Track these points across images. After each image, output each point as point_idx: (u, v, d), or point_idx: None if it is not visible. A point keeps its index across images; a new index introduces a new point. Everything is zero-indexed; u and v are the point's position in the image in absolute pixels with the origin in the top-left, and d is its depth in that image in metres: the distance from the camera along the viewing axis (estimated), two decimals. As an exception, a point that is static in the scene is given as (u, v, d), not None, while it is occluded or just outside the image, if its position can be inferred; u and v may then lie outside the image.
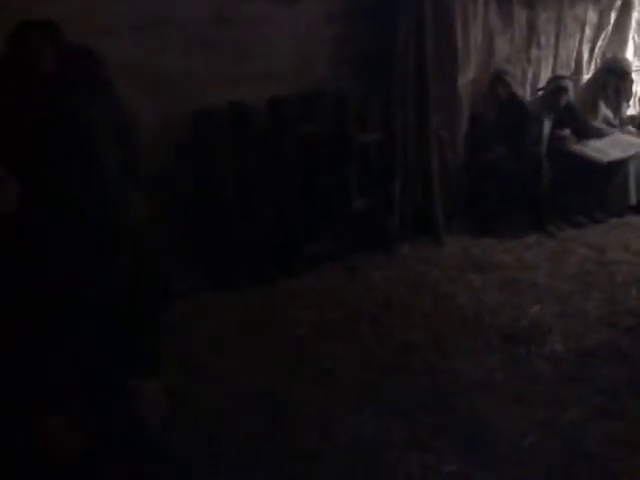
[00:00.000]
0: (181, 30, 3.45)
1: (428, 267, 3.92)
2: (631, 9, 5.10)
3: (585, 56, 5.05)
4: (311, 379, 2.81)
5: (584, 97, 4.91)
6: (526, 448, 2.35)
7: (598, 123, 4.81)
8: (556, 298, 3.48)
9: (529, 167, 4.37)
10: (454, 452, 2.34)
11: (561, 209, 4.52)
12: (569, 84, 4.63)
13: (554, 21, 4.81)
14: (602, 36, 5.06)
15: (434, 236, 4.25)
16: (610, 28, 5.07)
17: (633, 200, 4.61)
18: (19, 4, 2.85)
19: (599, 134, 4.71)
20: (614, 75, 4.80)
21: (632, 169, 4.58)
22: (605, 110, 4.86)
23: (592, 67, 5.07)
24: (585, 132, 4.69)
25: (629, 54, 5.18)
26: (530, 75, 4.84)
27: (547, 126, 4.56)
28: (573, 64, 5.03)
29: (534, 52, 4.80)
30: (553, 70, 4.89)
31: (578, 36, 4.97)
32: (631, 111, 5.16)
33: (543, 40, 4.81)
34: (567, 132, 4.63)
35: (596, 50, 5.08)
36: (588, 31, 5.00)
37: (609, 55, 5.09)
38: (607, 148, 4.59)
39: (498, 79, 4.45)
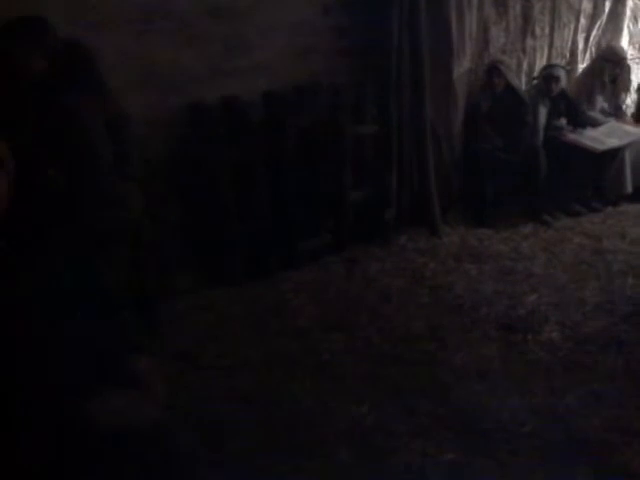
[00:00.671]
0: (174, 22, 3.43)
1: (425, 258, 3.94)
2: (626, -2, 5.11)
3: (580, 45, 5.06)
4: (311, 371, 2.82)
5: (581, 86, 4.92)
6: (524, 436, 2.37)
7: (594, 112, 4.83)
8: (553, 287, 3.49)
9: (525, 157, 4.38)
10: (453, 441, 2.36)
11: (557, 198, 4.53)
12: (561, 72, 4.65)
13: (549, 11, 4.81)
14: (597, 25, 5.06)
15: (431, 227, 4.26)
16: (605, 17, 5.08)
17: (629, 189, 4.63)
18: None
19: (595, 123, 4.73)
20: (610, 63, 4.81)
21: (628, 158, 4.59)
22: (601, 99, 4.88)
23: (587, 56, 5.08)
24: (581, 121, 4.70)
25: (624, 43, 5.18)
26: (525, 65, 4.84)
27: (543, 116, 4.58)
28: (568, 54, 5.04)
29: (529, 42, 4.80)
30: (548, 60, 4.90)
31: (573, 25, 4.98)
32: (628, 100, 5.18)
33: (538, 30, 4.81)
34: (563, 122, 4.64)
35: (591, 39, 5.09)
36: (583, 20, 5.01)
37: (604, 44, 5.10)
38: (603, 137, 4.61)
39: (494, 70, 4.45)
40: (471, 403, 2.56)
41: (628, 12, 5.17)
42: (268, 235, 3.74)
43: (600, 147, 4.50)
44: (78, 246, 2.11)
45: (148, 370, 1.63)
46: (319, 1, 3.92)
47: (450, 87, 4.33)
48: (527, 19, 4.73)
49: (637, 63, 5.28)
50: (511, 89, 4.49)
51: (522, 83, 4.79)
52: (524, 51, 4.80)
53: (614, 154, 4.56)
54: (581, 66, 5.07)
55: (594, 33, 5.07)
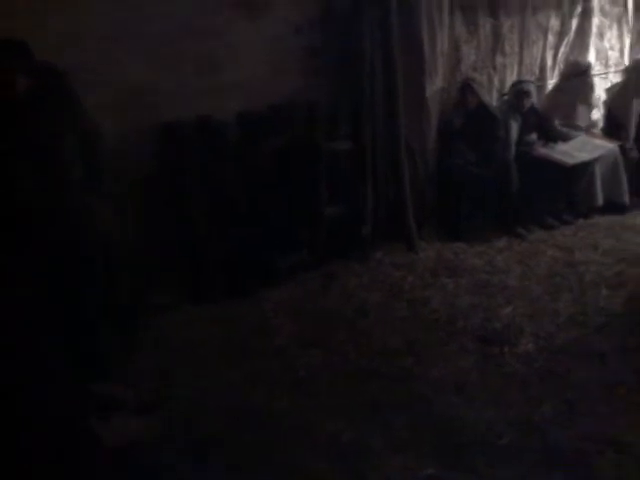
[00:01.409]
0: (148, 42, 3.45)
1: (402, 273, 3.96)
2: (591, 15, 5.24)
3: (549, 62, 5.18)
4: (289, 387, 2.82)
5: (556, 101, 5.00)
6: (502, 447, 2.39)
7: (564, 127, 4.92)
8: (527, 299, 3.54)
9: (498, 171, 4.45)
10: (432, 455, 2.37)
11: (531, 211, 4.60)
12: (531, 87, 4.75)
13: (517, 29, 4.92)
14: (564, 42, 5.19)
15: (407, 242, 4.30)
16: (572, 34, 5.20)
17: (600, 201, 4.72)
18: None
19: (565, 137, 4.82)
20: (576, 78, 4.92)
21: (598, 171, 4.69)
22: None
23: (556, 72, 5.20)
24: (552, 136, 4.79)
25: (591, 59, 5.31)
26: (496, 82, 4.93)
27: (514, 131, 4.66)
28: (537, 70, 5.15)
29: (499, 59, 4.90)
30: (518, 76, 4.99)
31: (541, 43, 5.09)
32: (595, 114, 5.30)
33: (508, 47, 4.92)
34: (534, 136, 4.73)
35: (559, 56, 5.20)
36: (551, 37, 5.13)
37: (572, 60, 5.22)
38: (573, 151, 4.70)
39: (467, 87, 4.54)
40: (449, 416, 2.58)
41: (594, 29, 5.30)
42: (246, 252, 3.74)
43: (571, 161, 4.59)
44: (47, 265, 2.10)
45: (120, 394, 1.62)
46: (291, 21, 3.97)
47: (423, 104, 4.40)
48: (497, 37, 4.84)
49: (604, 78, 5.42)
50: (483, 106, 4.57)
51: (493, 99, 4.88)
52: (495, 68, 4.90)
53: (585, 167, 4.66)
54: (550, 82, 5.18)
55: (562, 50, 5.19)
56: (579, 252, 4.13)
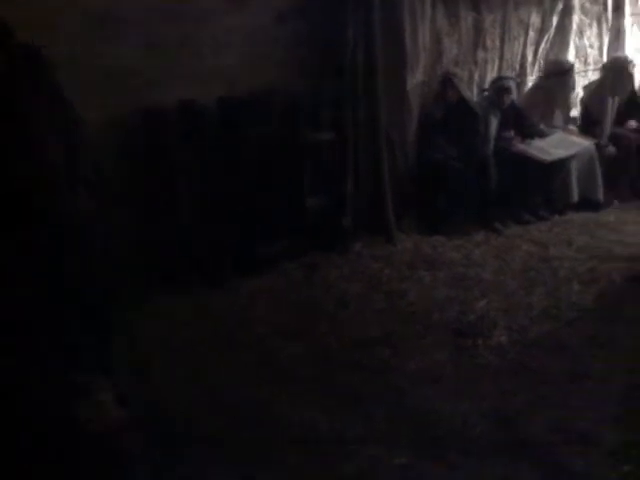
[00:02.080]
0: (130, 27, 3.42)
1: (381, 265, 4.00)
2: (572, 13, 5.31)
3: (529, 58, 5.23)
4: (267, 377, 2.84)
5: (534, 99, 5.05)
6: (475, 439, 2.44)
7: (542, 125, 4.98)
8: (502, 293, 3.60)
9: (476, 166, 4.50)
10: (406, 446, 2.40)
11: (508, 207, 4.67)
12: (512, 84, 4.80)
13: (499, 24, 4.97)
14: (545, 39, 5.24)
15: (386, 234, 4.33)
16: (552, 31, 5.26)
17: (575, 198, 4.81)
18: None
19: (542, 134, 4.89)
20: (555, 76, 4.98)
21: (574, 168, 4.78)
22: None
23: (536, 69, 5.25)
24: (529, 132, 4.86)
25: (570, 56, 5.38)
26: (477, 77, 4.97)
27: (494, 126, 4.71)
28: (518, 66, 5.20)
29: (480, 54, 4.94)
30: (499, 72, 5.05)
31: (522, 39, 5.15)
32: (574, 112, 5.37)
33: (489, 42, 4.96)
34: (511, 133, 4.78)
35: (539, 52, 5.26)
36: (532, 34, 5.19)
37: (552, 57, 5.28)
38: (550, 148, 4.78)
39: (447, 81, 4.57)
40: (424, 408, 2.62)
41: (574, 27, 5.37)
42: (225, 241, 3.73)
43: (547, 158, 4.66)
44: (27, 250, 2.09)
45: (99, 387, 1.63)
46: (274, 9, 3.95)
47: (404, 97, 4.42)
48: (478, 31, 4.88)
49: (583, 76, 5.49)
50: (464, 101, 4.61)
51: (474, 94, 4.92)
52: (476, 63, 4.94)
53: (561, 164, 4.73)
54: (530, 78, 5.23)
55: (542, 46, 5.25)
56: (554, 248, 4.21)
